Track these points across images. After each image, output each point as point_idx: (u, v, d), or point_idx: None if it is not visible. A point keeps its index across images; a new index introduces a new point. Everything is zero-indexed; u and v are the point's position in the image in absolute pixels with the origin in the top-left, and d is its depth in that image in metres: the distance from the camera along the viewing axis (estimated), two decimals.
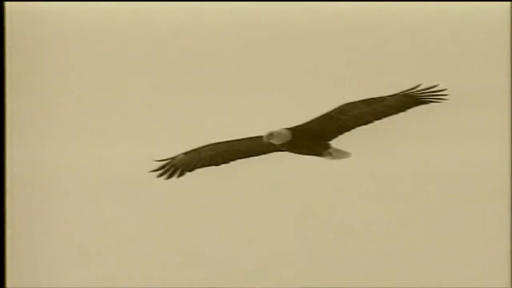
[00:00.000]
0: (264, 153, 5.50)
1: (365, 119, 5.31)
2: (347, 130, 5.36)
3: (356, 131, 5.34)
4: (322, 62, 5.65)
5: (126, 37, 5.75)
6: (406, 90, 5.22)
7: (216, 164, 5.57)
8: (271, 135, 5.31)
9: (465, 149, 5.54)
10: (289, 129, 5.34)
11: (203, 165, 5.58)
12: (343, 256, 5.58)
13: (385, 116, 5.30)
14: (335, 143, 5.41)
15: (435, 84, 5.18)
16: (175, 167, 5.60)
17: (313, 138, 5.36)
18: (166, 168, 5.60)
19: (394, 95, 5.24)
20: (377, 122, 5.30)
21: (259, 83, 5.68)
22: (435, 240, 5.53)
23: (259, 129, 5.33)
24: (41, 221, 5.67)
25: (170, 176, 5.61)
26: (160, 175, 5.61)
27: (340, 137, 5.38)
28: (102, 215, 5.68)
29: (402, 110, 5.29)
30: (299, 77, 5.67)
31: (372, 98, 5.22)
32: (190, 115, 5.73)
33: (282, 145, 5.35)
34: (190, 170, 5.60)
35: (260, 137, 5.34)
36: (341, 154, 5.44)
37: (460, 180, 5.52)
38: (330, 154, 5.42)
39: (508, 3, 5.56)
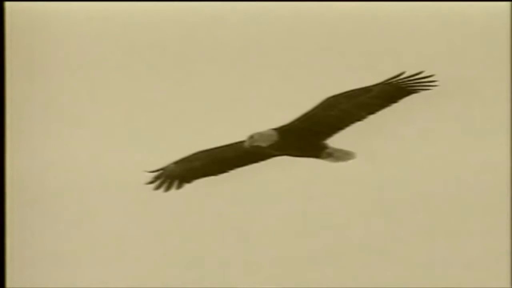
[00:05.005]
0: (262, 159, 5.18)
1: (356, 114, 5.03)
2: (341, 128, 5.07)
3: (356, 130, 5.16)
4: (311, 59, 5.58)
5: (127, 38, 5.75)
6: (390, 78, 5.09)
7: (213, 174, 5.33)
8: (252, 137, 4.99)
9: (468, 147, 5.52)
10: (275, 129, 5.04)
11: (199, 176, 5.36)
12: (345, 260, 5.55)
13: (378, 109, 5.03)
14: (337, 144, 5.18)
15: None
16: (170, 178, 5.44)
17: (304, 138, 5.05)
18: (162, 179, 5.45)
19: (378, 84, 5.02)
20: (377, 119, 5.10)
21: (251, 84, 5.62)
22: (434, 240, 5.53)
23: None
24: (41, 221, 5.67)
25: (168, 188, 5.45)
26: (157, 188, 5.44)
27: (343, 137, 5.15)
28: (102, 216, 5.67)
29: (393, 101, 5.04)
30: (291, 77, 5.59)
31: (356, 89, 4.98)
32: (190, 118, 5.67)
33: (270, 147, 5.02)
34: (188, 181, 5.41)
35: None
36: (344, 155, 5.11)
37: (459, 179, 5.51)
38: (330, 155, 5.10)
39: (508, 3, 5.55)
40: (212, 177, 5.40)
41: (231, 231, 5.57)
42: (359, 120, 5.07)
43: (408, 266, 5.52)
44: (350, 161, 5.18)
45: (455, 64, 5.42)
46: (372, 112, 5.05)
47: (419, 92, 5.09)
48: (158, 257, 5.64)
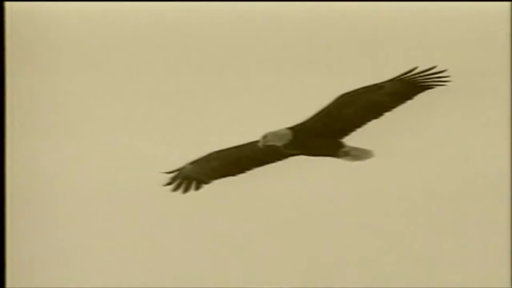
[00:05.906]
0: (278, 158, 5.08)
1: (371, 112, 4.94)
2: (357, 126, 4.97)
3: (374, 128, 5.05)
4: (323, 57, 5.55)
5: (128, 38, 5.75)
6: (402, 74, 5.01)
7: (232, 174, 5.22)
8: (265, 137, 4.93)
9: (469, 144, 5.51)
10: (289, 128, 4.96)
11: (217, 176, 5.24)
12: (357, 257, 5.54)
13: (392, 106, 4.96)
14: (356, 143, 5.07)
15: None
16: (188, 179, 5.33)
17: (320, 136, 4.95)
18: (179, 181, 5.35)
19: (391, 80, 4.96)
20: (395, 117, 4.99)
21: (264, 83, 5.58)
22: (434, 239, 5.53)
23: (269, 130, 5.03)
24: (42, 221, 5.67)
25: (186, 190, 5.34)
26: (175, 189, 5.34)
27: (361, 135, 5.03)
28: (103, 216, 5.67)
29: (407, 98, 4.99)
30: (304, 75, 5.55)
31: (368, 86, 4.90)
32: (196, 120, 5.63)
33: (285, 146, 4.94)
34: (206, 182, 5.30)
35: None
36: (362, 154, 5.00)
37: (459, 178, 5.51)
38: (347, 154, 5.00)
39: (508, 3, 5.56)
40: (225, 178, 5.31)
41: (245, 231, 5.53)
42: (375, 117, 4.99)
43: (407, 265, 5.52)
44: (368, 160, 5.08)
45: (455, 64, 5.42)
46: (387, 109, 4.98)
47: (433, 88, 5.06)
48: (162, 259, 5.63)
